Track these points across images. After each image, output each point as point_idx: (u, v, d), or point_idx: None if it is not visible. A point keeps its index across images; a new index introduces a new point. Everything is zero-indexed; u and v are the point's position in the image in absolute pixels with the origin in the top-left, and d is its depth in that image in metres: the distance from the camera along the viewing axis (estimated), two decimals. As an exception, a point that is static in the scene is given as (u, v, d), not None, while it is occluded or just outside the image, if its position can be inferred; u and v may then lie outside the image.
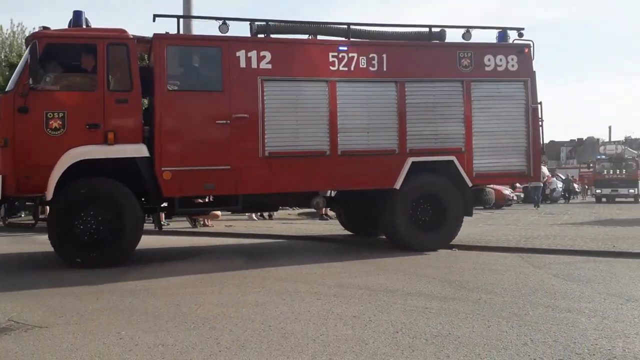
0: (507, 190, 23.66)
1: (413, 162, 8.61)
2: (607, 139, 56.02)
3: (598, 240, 9.78)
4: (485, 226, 13.20)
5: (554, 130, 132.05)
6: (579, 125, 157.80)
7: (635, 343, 3.99)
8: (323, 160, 8.29)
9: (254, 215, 14.66)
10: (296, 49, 8.39)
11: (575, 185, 35.96)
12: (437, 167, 8.85)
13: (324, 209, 15.47)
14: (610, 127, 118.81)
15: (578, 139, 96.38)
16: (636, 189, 29.73)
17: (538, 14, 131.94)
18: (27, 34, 24.57)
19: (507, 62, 9.03)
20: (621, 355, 3.73)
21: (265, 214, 15.28)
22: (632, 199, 29.73)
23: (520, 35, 9.17)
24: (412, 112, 8.64)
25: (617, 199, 30.17)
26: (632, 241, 9.65)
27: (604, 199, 30.24)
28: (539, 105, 9.09)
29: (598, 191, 30.82)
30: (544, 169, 30.76)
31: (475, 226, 12.99)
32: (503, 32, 9.24)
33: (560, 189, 31.92)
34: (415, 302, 5.24)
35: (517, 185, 26.76)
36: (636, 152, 36.95)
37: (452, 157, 8.76)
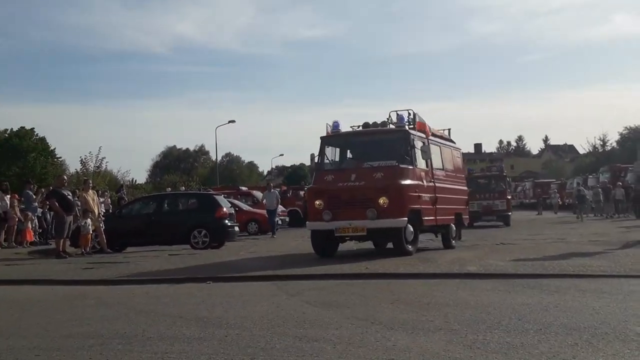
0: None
1: None
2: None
3: (352, 264, 10.66)
4: (247, 254, 13.53)
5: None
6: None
7: (374, 366, 4.35)
8: None
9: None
10: None
11: None
12: None
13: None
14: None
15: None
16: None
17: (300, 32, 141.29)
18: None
19: None
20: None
21: None
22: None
23: None
24: None
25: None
26: (383, 262, 10.71)
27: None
28: None
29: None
30: None
31: (236, 255, 13.26)
32: None
33: None
34: (155, 348, 5.06)
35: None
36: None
37: None
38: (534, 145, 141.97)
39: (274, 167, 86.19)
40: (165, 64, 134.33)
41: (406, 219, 11.45)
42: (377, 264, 10.31)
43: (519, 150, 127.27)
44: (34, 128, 48.84)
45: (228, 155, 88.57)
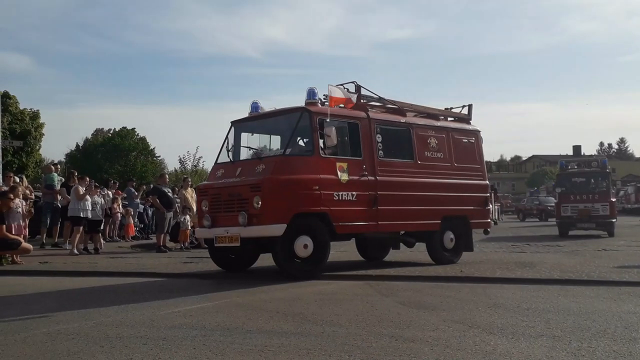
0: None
1: None
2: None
3: (446, 266, 10.51)
4: (337, 253, 13.64)
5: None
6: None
7: (474, 370, 4.30)
8: None
9: (75, 249, 13.80)
10: None
11: None
12: None
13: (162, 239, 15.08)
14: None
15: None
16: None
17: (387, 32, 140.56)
18: None
19: None
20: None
21: (90, 247, 14.48)
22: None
23: None
24: None
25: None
26: (479, 265, 10.51)
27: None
28: None
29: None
30: None
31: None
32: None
33: None
34: (254, 341, 5.22)
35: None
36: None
37: None
38: (638, 148, 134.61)
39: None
40: (256, 66, 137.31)
41: (285, 225, 8.85)
42: (473, 268, 10.13)
43: (620, 153, 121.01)
44: (135, 128, 51.42)
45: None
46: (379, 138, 10.23)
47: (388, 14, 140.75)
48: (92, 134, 58.36)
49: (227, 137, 10.50)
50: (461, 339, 5.23)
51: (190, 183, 17.71)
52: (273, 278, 9.43)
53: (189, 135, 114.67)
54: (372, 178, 9.89)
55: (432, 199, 10.73)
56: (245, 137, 10.65)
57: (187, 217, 15.96)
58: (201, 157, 37.81)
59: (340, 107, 9.92)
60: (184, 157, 38.15)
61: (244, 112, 11.20)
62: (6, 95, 34.00)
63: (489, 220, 12.09)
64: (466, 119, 12.21)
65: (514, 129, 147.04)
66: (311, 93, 9.85)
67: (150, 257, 13.81)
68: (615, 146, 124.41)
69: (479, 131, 12.11)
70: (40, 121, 38.00)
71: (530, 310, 6.53)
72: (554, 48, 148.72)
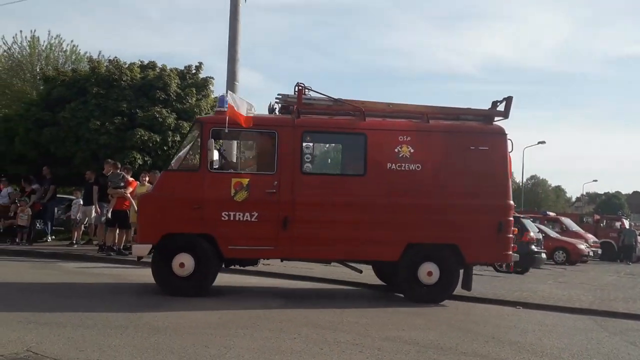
0: (582, 245, 23.03)
1: None
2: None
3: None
4: (555, 284, 12.84)
5: (638, 181, 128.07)
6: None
7: None
8: None
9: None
10: None
11: None
12: None
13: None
14: None
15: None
16: None
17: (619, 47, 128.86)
18: (64, 46, 25.80)
19: None
20: None
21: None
22: None
23: None
24: None
25: None
26: None
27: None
28: None
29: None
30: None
31: (544, 283, 12.68)
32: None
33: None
34: (469, 363, 5.12)
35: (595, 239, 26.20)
36: None
37: None
38: None
39: (584, 193, 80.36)
40: (474, 82, 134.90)
41: (149, 246, 8.24)
42: None
43: None
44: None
45: (533, 177, 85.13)
46: (307, 149, 8.86)
47: (621, 27, 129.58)
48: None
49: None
50: None
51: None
52: (462, 297, 9.16)
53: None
54: (288, 196, 8.41)
55: (387, 221, 8.55)
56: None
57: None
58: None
59: (252, 114, 8.64)
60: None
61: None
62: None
63: (507, 252, 8.92)
64: (490, 116, 9.22)
65: None
66: (221, 100, 8.81)
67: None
68: None
69: (505, 134, 9.01)
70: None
71: None
72: None
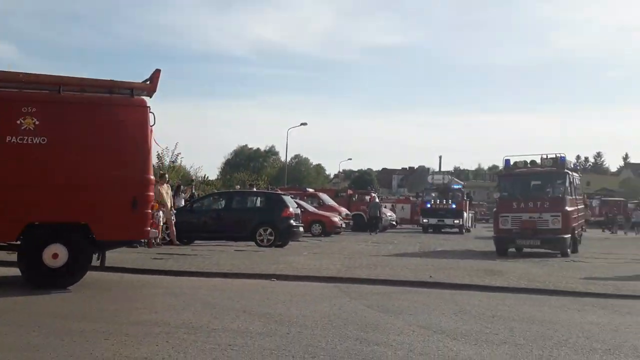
0: (336, 218, 24.75)
1: None
2: (437, 169, 61.32)
3: (417, 271, 10.54)
4: (310, 255, 13.62)
5: (386, 159, 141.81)
6: (412, 154, 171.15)
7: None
8: None
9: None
10: None
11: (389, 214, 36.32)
12: None
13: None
14: (440, 157, 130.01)
15: (410, 167, 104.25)
16: (461, 220, 32.65)
17: (377, 38, 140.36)
18: None
19: None
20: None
21: None
22: (457, 230, 32.61)
23: None
24: None
25: (442, 229, 32.90)
26: (449, 271, 10.55)
27: (430, 229, 32.81)
28: None
29: (425, 221, 33.33)
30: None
31: (300, 255, 13.37)
32: None
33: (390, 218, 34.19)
34: (219, 340, 5.19)
35: (347, 212, 28.38)
36: (463, 182, 40.78)
37: None
38: (613, 163, 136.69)
39: (340, 170, 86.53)
40: (244, 65, 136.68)
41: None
42: (442, 274, 10.17)
43: (596, 167, 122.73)
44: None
45: (297, 156, 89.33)
46: None
47: (380, 19, 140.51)
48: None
49: None
50: (425, 343, 5.25)
51: (167, 179, 17.56)
52: (226, 275, 9.39)
53: (171, 131, 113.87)
54: None
55: (3, 199, 7.81)
56: None
57: (161, 212, 15.81)
58: (179, 153, 37.55)
59: None
60: (162, 153, 37.84)
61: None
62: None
63: (145, 229, 8.58)
64: (135, 89, 8.55)
65: (493, 139, 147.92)
66: None
67: (119, 251, 13.62)
68: (592, 160, 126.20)
69: (146, 106, 8.58)
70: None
71: (495, 317, 6.58)
72: (540, 61, 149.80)
